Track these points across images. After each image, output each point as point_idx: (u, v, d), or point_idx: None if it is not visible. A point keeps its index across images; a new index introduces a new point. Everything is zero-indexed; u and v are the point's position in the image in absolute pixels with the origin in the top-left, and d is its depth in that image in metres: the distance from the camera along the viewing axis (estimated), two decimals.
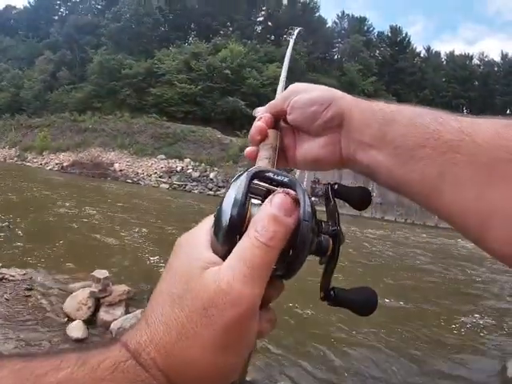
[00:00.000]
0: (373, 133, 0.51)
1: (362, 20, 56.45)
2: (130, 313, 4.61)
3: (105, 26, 44.02)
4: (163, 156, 28.12)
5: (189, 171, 26.38)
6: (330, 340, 5.05)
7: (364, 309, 0.41)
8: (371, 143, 0.51)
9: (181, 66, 36.55)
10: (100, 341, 4.31)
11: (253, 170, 0.41)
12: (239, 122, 33.04)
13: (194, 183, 25.21)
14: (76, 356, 0.34)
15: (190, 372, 0.35)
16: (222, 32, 47.32)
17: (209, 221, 0.42)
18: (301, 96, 0.56)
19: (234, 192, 0.38)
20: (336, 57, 53.52)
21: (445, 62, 57.14)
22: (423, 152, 0.45)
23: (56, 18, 56.50)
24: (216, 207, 0.39)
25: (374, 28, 56.77)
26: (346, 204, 0.51)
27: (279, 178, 0.40)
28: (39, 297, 5.41)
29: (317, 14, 52.70)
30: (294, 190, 0.39)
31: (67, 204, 13.24)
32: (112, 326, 4.31)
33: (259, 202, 0.38)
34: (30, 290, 5.61)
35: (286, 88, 0.63)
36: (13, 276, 5.83)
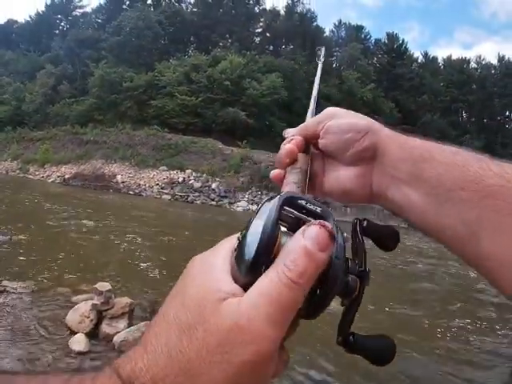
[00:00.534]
0: (408, 169, 0.47)
1: (359, 28, 57.09)
2: (133, 325, 4.59)
3: (105, 39, 44.48)
4: (165, 167, 28.16)
5: (191, 182, 26.40)
6: (328, 347, 5.00)
7: (381, 360, 0.38)
8: (406, 180, 0.47)
9: (181, 78, 36.84)
10: (102, 355, 4.29)
11: (285, 195, 0.38)
12: (240, 133, 33.19)
13: (196, 194, 25.21)
14: (62, 380, 0.31)
15: None
16: (221, 44, 47.77)
17: (228, 244, 0.38)
18: (336, 121, 0.54)
19: (263, 218, 0.34)
20: (334, 65, 53.90)
21: (442, 67, 57.66)
22: (462, 195, 0.42)
23: (57, 32, 57.16)
24: (241, 232, 0.36)
25: (371, 36, 57.60)
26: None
27: (312, 207, 0.37)
28: (41, 309, 5.40)
29: (314, 24, 53.22)
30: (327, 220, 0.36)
31: (68, 216, 13.26)
32: (115, 338, 4.29)
33: (289, 231, 0.36)
34: (32, 302, 5.61)
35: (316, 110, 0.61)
36: (14, 289, 5.82)
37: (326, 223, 0.34)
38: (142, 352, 0.33)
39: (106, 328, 4.61)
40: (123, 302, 4.93)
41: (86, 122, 35.61)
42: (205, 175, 26.89)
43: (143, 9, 45.42)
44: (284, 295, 0.31)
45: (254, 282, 0.33)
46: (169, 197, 24.88)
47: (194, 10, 52.13)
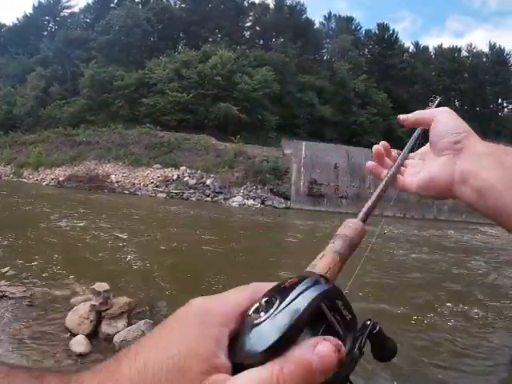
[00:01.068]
0: (492, 159, 0.56)
1: (349, 19, 56.92)
2: (132, 324, 4.62)
3: (94, 39, 44.06)
4: (159, 165, 28.12)
5: (185, 179, 26.40)
6: None
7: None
8: (488, 167, 0.55)
9: (172, 74, 36.62)
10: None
11: (325, 289, 0.34)
12: (232, 128, 33.10)
13: (191, 191, 25.23)
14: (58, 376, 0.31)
15: None
16: (210, 39, 47.41)
17: (237, 297, 0.36)
18: (445, 115, 0.64)
19: (293, 308, 0.31)
20: (325, 57, 53.79)
21: (434, 56, 57.58)
22: None
23: (45, 33, 56.47)
24: (263, 304, 0.33)
25: (361, 27, 57.38)
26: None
27: (345, 312, 0.34)
28: (40, 313, 5.41)
29: (304, 16, 52.96)
30: (349, 334, 0.34)
31: (63, 218, 13.24)
32: (115, 338, 4.32)
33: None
34: (31, 306, 5.61)
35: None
36: (13, 293, 5.82)
37: (342, 348, 0.32)
38: None
39: (105, 328, 4.63)
40: (122, 301, 4.96)
41: (78, 123, 35.40)
42: (199, 172, 26.89)
43: (131, 6, 44.96)
44: None
45: (250, 366, 0.31)
46: (164, 195, 24.89)
47: (183, 5, 51.69)
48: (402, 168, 0.69)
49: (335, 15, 57.34)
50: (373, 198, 0.60)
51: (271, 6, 52.36)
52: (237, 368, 0.31)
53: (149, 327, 4.43)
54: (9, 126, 38.57)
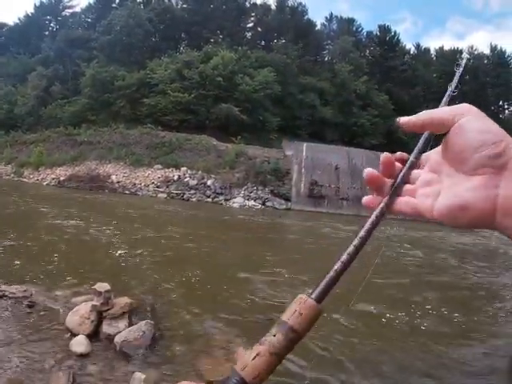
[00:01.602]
0: None
1: (351, 21, 56.87)
2: (133, 325, 4.61)
3: (96, 39, 44.10)
4: (160, 165, 28.13)
5: (186, 179, 26.40)
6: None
7: None
8: None
9: (173, 75, 36.63)
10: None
11: None
12: (234, 129, 33.10)
13: (192, 191, 25.23)
14: None
15: None
16: (212, 40, 47.44)
17: None
18: (473, 118, 0.49)
19: None
20: (327, 58, 53.80)
21: (435, 58, 57.56)
22: None
23: (47, 33, 56.53)
24: None
25: (362, 28, 57.33)
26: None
27: None
28: (41, 313, 5.39)
29: (305, 17, 53.00)
30: None
31: (64, 218, 13.24)
32: (116, 338, 4.31)
33: None
34: (32, 306, 5.60)
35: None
36: (13, 293, 5.81)
37: None
38: None
39: (106, 328, 4.62)
40: (123, 301, 4.95)
41: (79, 122, 35.41)
42: (200, 172, 26.89)
43: (133, 7, 44.96)
44: None
45: None
46: (164, 195, 24.89)
47: (184, 6, 51.71)
48: (408, 185, 0.56)
49: (336, 16, 57.43)
50: (337, 266, 0.50)
51: (273, 6, 52.51)
52: None
53: (150, 328, 4.42)
54: (10, 126, 38.62)
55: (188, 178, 26.52)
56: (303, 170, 25.73)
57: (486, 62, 56.35)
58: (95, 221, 13.13)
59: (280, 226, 18.43)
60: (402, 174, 0.57)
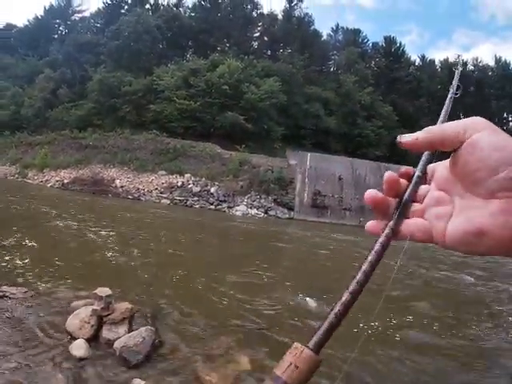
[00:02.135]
0: None
1: (356, 32, 57.37)
2: (133, 331, 4.59)
3: (104, 44, 44.57)
4: (164, 172, 28.23)
5: (189, 186, 26.46)
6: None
7: None
8: None
9: (179, 82, 36.91)
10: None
11: None
12: (238, 137, 33.25)
13: (195, 198, 25.26)
14: None
15: None
16: (219, 48, 47.88)
17: None
18: (488, 134, 0.43)
19: None
20: (332, 69, 54.13)
21: (439, 70, 57.77)
22: None
23: (56, 36, 57.24)
24: None
25: (368, 39, 57.85)
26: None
27: None
28: (41, 315, 5.38)
29: (312, 28, 53.50)
30: None
31: (66, 221, 13.27)
32: (116, 344, 4.29)
33: None
34: (31, 307, 5.60)
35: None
36: (14, 294, 5.80)
37: None
38: None
39: (106, 333, 4.61)
40: (123, 307, 4.93)
41: (85, 126, 35.68)
42: (204, 179, 26.96)
43: (141, 13, 45.48)
44: None
45: None
46: (168, 201, 24.93)
47: (192, 14, 52.32)
48: (415, 205, 0.51)
49: (342, 27, 57.98)
50: (338, 308, 0.45)
51: (280, 16, 53.03)
52: None
53: (150, 334, 4.41)
54: (16, 127, 38.91)
55: (191, 185, 26.58)
56: (307, 180, 25.75)
57: (490, 74, 56.52)
58: (97, 224, 13.16)
59: (281, 234, 18.40)
60: (408, 192, 0.51)
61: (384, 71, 52.15)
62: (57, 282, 6.77)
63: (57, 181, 29.06)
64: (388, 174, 0.51)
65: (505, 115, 57.23)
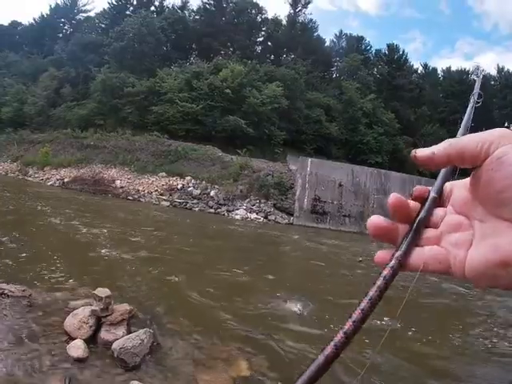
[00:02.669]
0: None
1: (360, 39, 57.59)
2: (131, 332, 4.60)
3: (108, 44, 44.67)
4: (164, 173, 28.23)
5: (190, 189, 26.45)
6: None
7: None
8: None
9: (182, 84, 37.00)
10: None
11: None
12: (240, 141, 33.32)
13: (195, 201, 25.23)
14: None
15: None
16: (222, 52, 48.06)
17: None
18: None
19: None
20: (335, 75, 54.28)
21: (442, 78, 58.00)
22: None
23: (60, 35, 57.39)
24: None
25: (371, 46, 58.05)
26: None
27: None
28: (39, 314, 5.39)
29: (315, 34, 53.73)
30: None
31: (66, 220, 13.29)
32: (114, 345, 4.31)
33: None
34: (30, 306, 5.60)
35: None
36: (12, 292, 5.81)
37: None
38: None
39: (104, 334, 4.63)
40: (122, 308, 4.96)
41: (87, 126, 35.76)
42: (204, 182, 26.95)
43: (146, 15, 45.66)
44: None
45: None
46: (167, 203, 24.90)
47: (197, 17, 52.50)
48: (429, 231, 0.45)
49: (346, 34, 58.21)
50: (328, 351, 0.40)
51: (284, 22, 53.17)
52: None
53: (149, 336, 4.42)
54: (18, 124, 38.98)
55: (191, 188, 26.57)
56: (307, 186, 25.73)
57: (492, 83, 56.70)
58: (95, 224, 13.18)
59: (279, 239, 18.41)
60: (420, 216, 0.45)
61: (386, 78, 52.33)
62: (55, 281, 6.80)
63: (57, 179, 29.07)
64: (394, 198, 0.45)
65: (506, 124, 57.38)
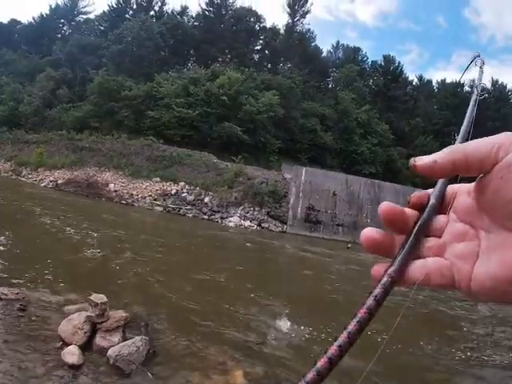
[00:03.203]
0: None
1: (357, 50, 58.16)
2: (127, 339, 4.61)
3: (107, 47, 44.69)
4: (158, 179, 28.15)
5: (183, 195, 26.39)
6: None
7: None
8: None
9: (179, 90, 37.04)
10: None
11: None
12: (235, 148, 33.40)
13: (189, 207, 25.17)
14: None
15: None
16: (220, 59, 48.26)
17: None
18: None
19: None
20: (331, 85, 54.69)
21: (436, 90, 58.67)
22: None
23: (59, 36, 57.25)
24: None
25: (367, 57, 58.56)
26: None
27: None
28: (33, 318, 5.36)
29: (313, 44, 54.17)
30: None
31: (59, 223, 13.24)
32: (109, 352, 4.32)
33: None
34: (24, 310, 5.56)
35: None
36: (5, 294, 5.77)
37: None
38: None
39: (100, 341, 4.62)
40: (118, 315, 4.96)
41: (82, 128, 35.58)
42: (198, 188, 26.90)
43: (146, 19, 45.82)
44: None
45: None
46: (161, 208, 24.80)
47: (196, 23, 52.77)
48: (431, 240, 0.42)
49: (343, 45, 58.72)
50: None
51: (282, 31, 53.55)
52: None
53: (145, 344, 4.44)
54: (13, 123, 38.64)
55: (186, 194, 26.50)
56: (301, 194, 25.84)
57: (486, 95, 57.43)
58: (92, 229, 13.13)
59: (272, 247, 18.45)
60: (418, 225, 0.41)
61: (381, 90, 52.88)
62: (49, 285, 6.77)
63: (51, 181, 28.87)
64: (385, 206, 0.41)
65: None
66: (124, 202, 25.51)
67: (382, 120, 46.68)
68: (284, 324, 6.76)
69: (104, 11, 56.43)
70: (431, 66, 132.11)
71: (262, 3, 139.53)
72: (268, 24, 53.89)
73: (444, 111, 52.52)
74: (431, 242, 0.41)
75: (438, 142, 48.05)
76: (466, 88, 57.46)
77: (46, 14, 59.35)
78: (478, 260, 0.37)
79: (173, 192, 26.66)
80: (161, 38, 45.23)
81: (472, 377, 6.02)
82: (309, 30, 54.28)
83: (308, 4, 53.39)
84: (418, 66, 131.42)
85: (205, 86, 36.74)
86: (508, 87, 57.21)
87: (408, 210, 0.42)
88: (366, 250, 0.41)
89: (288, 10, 53.41)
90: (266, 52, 53.20)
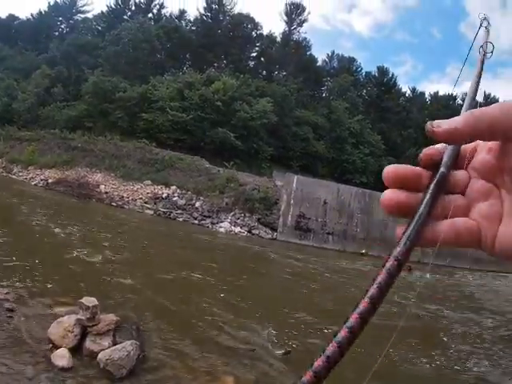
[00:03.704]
0: None
1: (351, 60, 58.86)
2: (117, 343, 4.64)
3: (103, 47, 44.61)
4: (150, 182, 28.06)
5: (175, 199, 26.33)
6: None
7: None
8: None
9: (174, 93, 37.10)
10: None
11: None
12: (228, 153, 33.53)
13: (179, 211, 25.10)
14: None
15: None
16: (216, 64, 48.46)
17: None
18: None
19: None
20: (324, 94, 55.15)
21: (429, 102, 59.46)
22: None
23: (56, 34, 57.02)
24: None
25: (362, 68, 59.31)
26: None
27: None
28: (22, 319, 5.33)
29: (308, 53, 54.63)
30: None
31: (50, 224, 13.18)
32: (100, 356, 4.35)
33: None
34: (12, 311, 5.53)
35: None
36: None
37: None
38: None
39: (90, 344, 4.65)
40: (109, 318, 4.99)
41: (76, 127, 35.39)
42: (189, 193, 26.87)
43: (144, 21, 45.89)
44: None
45: None
46: (151, 212, 24.71)
47: (193, 28, 52.95)
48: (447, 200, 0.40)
49: (338, 54, 59.36)
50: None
51: (278, 39, 53.97)
52: None
53: (135, 348, 4.49)
54: (6, 120, 38.25)
55: (177, 198, 26.45)
56: (292, 202, 25.96)
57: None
58: (81, 230, 13.10)
59: (261, 254, 18.52)
60: (432, 187, 0.39)
61: (375, 100, 53.50)
62: (39, 286, 6.75)
63: (41, 180, 28.66)
64: (392, 168, 0.40)
65: None
66: (114, 204, 25.38)
67: (375, 130, 47.19)
68: (275, 331, 6.83)
69: (102, 11, 56.40)
70: (424, 78, 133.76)
71: (259, 11, 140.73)
72: (265, 31, 54.43)
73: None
74: (457, 200, 0.40)
75: None
76: (459, 101, 58.50)
77: (45, 11, 59.07)
78: (502, 223, 0.36)
79: (164, 196, 26.61)
80: (158, 40, 45.29)
81: None
82: (305, 38, 54.93)
83: (305, 13, 54.03)
84: (412, 78, 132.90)
85: (200, 91, 36.86)
86: (500, 101, 58.03)
87: (419, 169, 0.40)
88: (388, 212, 0.39)
89: (285, 18, 54.04)
90: (262, 59, 53.53)
